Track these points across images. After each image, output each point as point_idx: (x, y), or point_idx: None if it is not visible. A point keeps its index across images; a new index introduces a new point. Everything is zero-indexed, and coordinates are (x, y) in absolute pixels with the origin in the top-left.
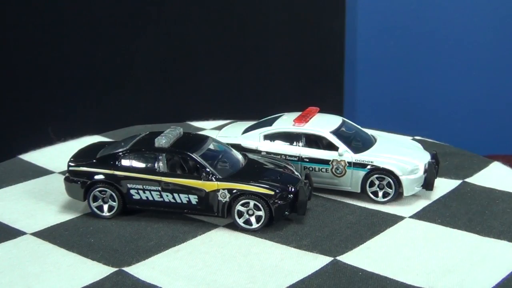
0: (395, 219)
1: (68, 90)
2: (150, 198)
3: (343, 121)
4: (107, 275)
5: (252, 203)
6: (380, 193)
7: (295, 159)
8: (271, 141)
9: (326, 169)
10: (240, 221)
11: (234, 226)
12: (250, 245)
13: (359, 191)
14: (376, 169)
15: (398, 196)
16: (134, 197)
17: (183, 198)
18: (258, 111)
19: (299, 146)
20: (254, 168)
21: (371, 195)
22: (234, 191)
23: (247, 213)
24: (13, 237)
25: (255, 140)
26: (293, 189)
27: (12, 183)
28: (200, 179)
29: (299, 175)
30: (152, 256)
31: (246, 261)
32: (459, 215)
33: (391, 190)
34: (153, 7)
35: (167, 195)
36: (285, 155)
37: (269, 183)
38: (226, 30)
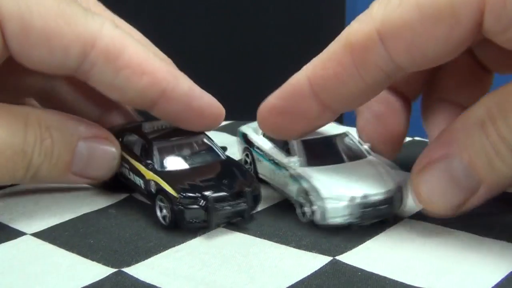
0: (394, 219)
1: None
2: (125, 174)
3: (336, 135)
4: (107, 275)
5: (164, 199)
6: (303, 210)
7: (269, 158)
8: (266, 137)
9: (284, 174)
10: (160, 215)
11: (233, 227)
12: (249, 245)
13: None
14: (301, 188)
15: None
16: (121, 170)
17: (137, 180)
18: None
19: (277, 147)
20: (207, 170)
21: (297, 211)
22: (157, 185)
23: (163, 209)
24: (12, 238)
25: (257, 133)
26: (203, 202)
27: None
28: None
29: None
30: (151, 257)
31: (245, 261)
32: (459, 215)
33: (308, 210)
34: (152, 5)
35: (132, 175)
36: (265, 152)
37: (184, 187)
38: (226, 29)
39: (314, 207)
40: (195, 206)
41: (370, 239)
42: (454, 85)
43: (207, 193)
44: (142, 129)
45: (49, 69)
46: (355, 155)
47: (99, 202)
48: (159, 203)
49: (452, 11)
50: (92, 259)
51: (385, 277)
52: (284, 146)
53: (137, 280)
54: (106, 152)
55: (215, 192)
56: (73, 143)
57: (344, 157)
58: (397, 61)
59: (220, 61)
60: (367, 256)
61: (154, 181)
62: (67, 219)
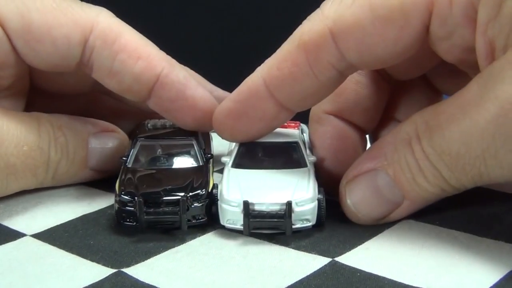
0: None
1: None
2: None
3: (283, 142)
4: (106, 276)
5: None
6: None
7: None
8: None
9: None
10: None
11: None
12: (248, 246)
13: None
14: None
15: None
16: None
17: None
18: None
19: (234, 144)
20: (168, 174)
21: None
22: (121, 181)
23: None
24: (12, 239)
25: None
26: (132, 200)
27: None
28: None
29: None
30: (151, 257)
31: (244, 262)
32: (457, 216)
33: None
34: (151, 4)
35: None
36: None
37: (128, 187)
38: (226, 29)
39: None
40: (129, 208)
41: (369, 239)
42: (405, 105)
43: (140, 196)
44: (144, 126)
45: (55, 64)
46: (292, 164)
47: (99, 203)
48: None
49: (402, 12)
50: (92, 260)
51: (384, 278)
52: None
53: (136, 280)
54: (116, 142)
55: (149, 196)
56: (85, 139)
57: (279, 164)
58: (349, 59)
59: (220, 61)
60: (366, 256)
61: (119, 176)
62: (66, 220)
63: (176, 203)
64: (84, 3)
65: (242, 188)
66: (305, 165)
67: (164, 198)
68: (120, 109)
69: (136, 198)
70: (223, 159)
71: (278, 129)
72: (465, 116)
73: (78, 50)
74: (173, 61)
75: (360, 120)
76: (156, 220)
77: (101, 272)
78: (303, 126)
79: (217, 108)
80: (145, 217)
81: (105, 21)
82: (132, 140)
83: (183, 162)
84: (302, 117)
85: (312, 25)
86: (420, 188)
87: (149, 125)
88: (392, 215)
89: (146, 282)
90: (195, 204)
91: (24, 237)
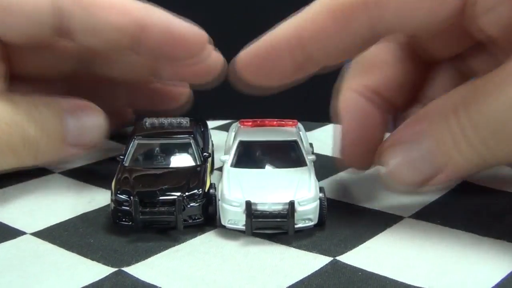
0: (394, 219)
1: None
2: None
3: (282, 141)
4: (107, 275)
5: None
6: None
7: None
8: (233, 133)
9: None
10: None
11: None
12: (249, 245)
13: None
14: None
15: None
16: None
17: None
18: (258, 112)
19: (231, 143)
20: (164, 174)
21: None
22: (117, 180)
23: None
24: (12, 237)
25: (233, 130)
26: (128, 200)
27: (13, 183)
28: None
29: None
30: (151, 256)
31: (245, 261)
32: (459, 215)
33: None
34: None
35: None
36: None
37: (125, 186)
38: (226, 29)
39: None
40: (125, 208)
41: (370, 239)
42: (432, 88)
43: (135, 195)
44: (141, 124)
45: (30, 35)
46: (292, 163)
47: (99, 201)
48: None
49: None
50: (92, 259)
51: (385, 277)
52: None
53: (137, 279)
54: (92, 117)
55: (145, 195)
56: (61, 115)
57: (278, 163)
58: (387, 20)
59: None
60: (368, 256)
61: (116, 175)
62: (66, 218)
63: (172, 203)
64: None
65: (244, 187)
66: (305, 164)
67: (160, 197)
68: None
69: (131, 197)
70: (222, 158)
71: (276, 128)
72: (502, 92)
73: (49, 15)
74: (151, 6)
75: (395, 97)
76: (152, 220)
77: (102, 271)
78: (300, 125)
79: (243, 50)
80: (141, 217)
81: None
82: (129, 138)
83: (180, 161)
84: (302, 115)
85: None
86: (455, 160)
87: (147, 123)
88: (433, 181)
89: (147, 281)
90: (191, 204)
91: (24, 236)
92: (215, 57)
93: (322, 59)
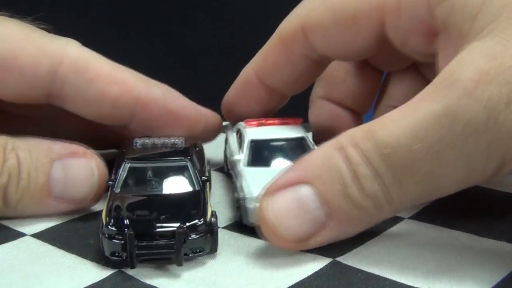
0: (394, 220)
1: None
2: None
3: (291, 138)
4: (107, 276)
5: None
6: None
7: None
8: (236, 134)
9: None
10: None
11: (233, 227)
12: (249, 246)
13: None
14: (237, 187)
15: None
16: None
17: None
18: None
19: (238, 144)
20: (160, 201)
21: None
22: (108, 209)
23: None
24: (13, 239)
25: (232, 131)
26: (125, 233)
27: None
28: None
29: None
30: None
31: (245, 262)
32: (459, 216)
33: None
34: (150, 6)
35: None
36: (231, 150)
37: (117, 216)
38: (226, 29)
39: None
40: (116, 241)
41: (370, 239)
42: (402, 94)
43: (129, 227)
44: (132, 145)
45: (24, 95)
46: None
47: (100, 202)
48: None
49: (355, 20)
50: (92, 260)
51: (385, 278)
52: (239, 143)
53: (137, 280)
54: (84, 168)
55: (140, 228)
56: (47, 164)
57: (291, 160)
58: (318, 51)
59: (220, 61)
60: (367, 256)
61: (109, 205)
62: (67, 219)
63: (171, 235)
64: (52, 35)
65: (265, 186)
66: None
67: (158, 230)
68: (92, 126)
69: (126, 230)
70: (235, 157)
71: (283, 126)
72: (417, 108)
73: (46, 80)
74: (149, 80)
75: (351, 104)
76: (149, 254)
77: (102, 272)
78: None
79: (223, 98)
80: (137, 251)
81: (74, 51)
82: (119, 161)
83: (177, 186)
84: (303, 116)
85: (288, 22)
86: (350, 202)
87: (137, 144)
88: (317, 238)
89: (147, 282)
90: (192, 236)
91: (24, 237)
92: (210, 120)
93: (282, 89)
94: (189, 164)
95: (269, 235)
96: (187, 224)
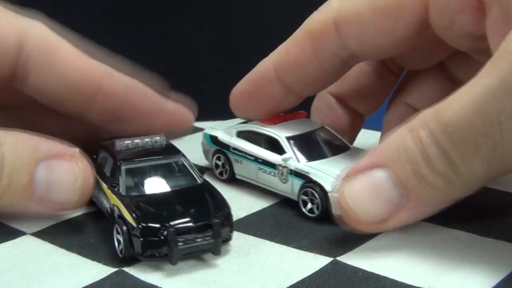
0: None
1: None
2: (96, 195)
3: (316, 130)
4: (107, 275)
5: (120, 227)
6: (308, 206)
7: (252, 158)
8: (242, 138)
9: (274, 173)
10: (117, 247)
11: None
12: (250, 245)
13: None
14: (310, 181)
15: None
16: (94, 190)
17: (105, 203)
18: None
19: (259, 146)
20: (177, 197)
21: (303, 208)
22: (119, 211)
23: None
24: (13, 237)
25: (230, 135)
26: (164, 234)
27: None
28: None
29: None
30: None
31: (246, 261)
32: (459, 215)
33: (316, 205)
34: (151, 6)
35: (101, 197)
36: (246, 153)
37: (146, 216)
38: (227, 30)
39: (317, 202)
40: (155, 238)
41: (371, 239)
42: (418, 91)
43: (169, 224)
44: (114, 146)
45: None
46: (340, 148)
47: (98, 203)
48: (116, 227)
49: (397, 5)
50: (93, 259)
51: (385, 277)
52: (267, 144)
53: (138, 279)
54: (67, 172)
55: (179, 223)
56: (31, 163)
57: (332, 150)
58: (350, 48)
59: (220, 61)
60: (368, 256)
61: (117, 207)
62: (67, 218)
63: (207, 227)
64: (19, 14)
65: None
66: (347, 148)
67: (194, 224)
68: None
69: (165, 226)
70: (283, 156)
71: (295, 120)
72: (477, 84)
73: (13, 55)
74: (116, 72)
75: (357, 105)
76: (190, 249)
77: (102, 271)
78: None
79: (233, 89)
80: (183, 246)
81: (41, 31)
82: (110, 164)
83: (183, 181)
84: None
85: (318, 15)
86: (424, 182)
87: (121, 144)
88: (395, 219)
89: (147, 281)
90: (226, 224)
91: (24, 236)
92: (177, 117)
93: (300, 89)
94: (183, 159)
95: (348, 220)
96: (218, 214)
